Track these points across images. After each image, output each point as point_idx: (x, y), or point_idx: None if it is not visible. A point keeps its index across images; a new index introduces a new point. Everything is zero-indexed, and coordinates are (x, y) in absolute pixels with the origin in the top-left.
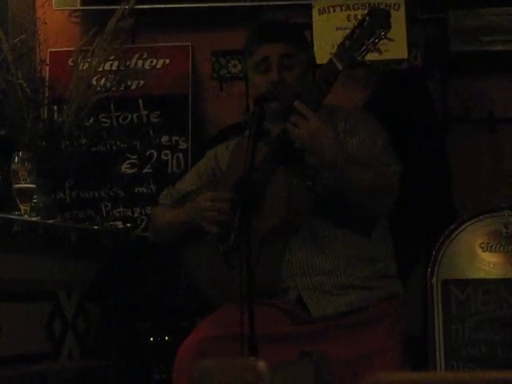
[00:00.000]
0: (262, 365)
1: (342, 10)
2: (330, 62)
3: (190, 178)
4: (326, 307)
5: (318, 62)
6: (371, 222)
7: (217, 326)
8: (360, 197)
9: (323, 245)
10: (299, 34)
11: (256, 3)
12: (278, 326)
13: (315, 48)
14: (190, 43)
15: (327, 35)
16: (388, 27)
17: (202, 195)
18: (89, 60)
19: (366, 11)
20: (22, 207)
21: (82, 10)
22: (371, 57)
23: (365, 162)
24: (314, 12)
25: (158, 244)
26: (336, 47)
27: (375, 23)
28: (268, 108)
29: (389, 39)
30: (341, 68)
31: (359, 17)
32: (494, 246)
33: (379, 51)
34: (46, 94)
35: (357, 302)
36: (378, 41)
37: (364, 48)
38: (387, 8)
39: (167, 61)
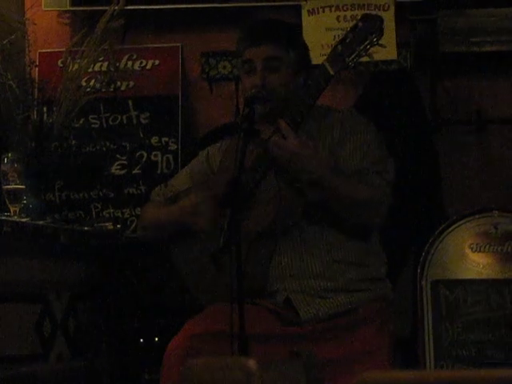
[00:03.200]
0: (252, 363)
1: (331, 11)
2: (322, 66)
3: (182, 178)
4: (314, 309)
5: None
6: (366, 228)
7: (206, 324)
8: (351, 209)
9: (313, 248)
10: (289, 35)
11: (246, 4)
12: (268, 326)
13: None
14: (179, 44)
15: (317, 36)
16: (380, 33)
17: (192, 196)
18: (78, 61)
19: (355, 12)
20: (12, 208)
21: (72, 10)
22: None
23: (356, 173)
24: (304, 13)
25: (147, 240)
26: (324, 48)
27: (368, 29)
28: (256, 110)
29: (381, 45)
30: (332, 73)
31: (349, 18)
32: (483, 247)
33: (371, 56)
34: (36, 95)
35: (346, 303)
36: (370, 47)
37: (356, 53)
38: (377, 9)
39: (157, 62)
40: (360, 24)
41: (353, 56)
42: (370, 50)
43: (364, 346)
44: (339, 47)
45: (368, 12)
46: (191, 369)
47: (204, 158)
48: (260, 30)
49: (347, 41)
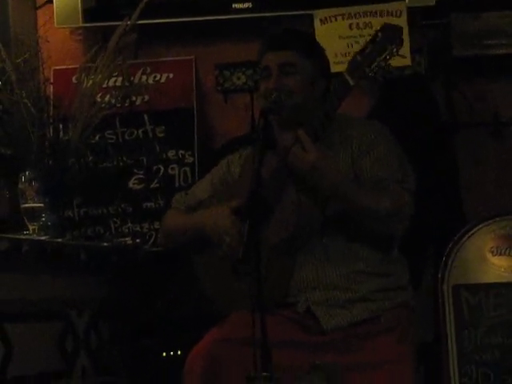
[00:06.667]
0: None
1: (343, 19)
2: (342, 77)
3: (203, 186)
4: (336, 319)
5: None
6: (388, 238)
7: (228, 331)
8: (372, 220)
9: (334, 259)
10: (308, 43)
11: (258, 15)
12: (289, 334)
13: None
14: (193, 57)
15: (330, 44)
16: (400, 43)
17: (226, 217)
18: (92, 77)
19: (367, 19)
20: (31, 227)
21: (84, 27)
22: None
23: (377, 183)
24: (316, 21)
25: (167, 248)
26: (337, 56)
27: (388, 39)
28: (273, 118)
29: (400, 56)
30: (352, 83)
31: (361, 25)
32: (503, 250)
33: (389, 67)
34: (51, 113)
35: (367, 312)
36: (390, 57)
37: (375, 64)
38: (389, 15)
39: (171, 75)
40: (380, 34)
41: (372, 66)
42: (389, 61)
43: (385, 354)
44: (359, 58)
45: (387, 22)
46: None
47: (225, 167)
48: (278, 37)
49: (367, 51)
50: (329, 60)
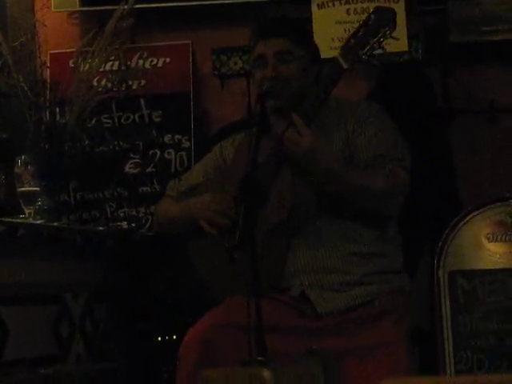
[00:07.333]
0: (267, 374)
1: (341, 4)
2: (335, 60)
3: (196, 172)
4: (331, 303)
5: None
6: (384, 218)
7: (224, 315)
8: (367, 200)
9: (328, 242)
10: (299, 30)
11: None
12: (285, 318)
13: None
14: (190, 41)
15: (327, 29)
16: (393, 26)
17: (206, 195)
18: (89, 61)
19: (365, 4)
20: (27, 210)
21: (81, 11)
22: None
23: (374, 160)
24: (314, 6)
25: (162, 235)
26: (334, 41)
27: (380, 22)
28: (268, 105)
29: (394, 38)
30: (346, 67)
31: (359, 10)
32: (499, 236)
33: (383, 49)
34: (48, 97)
35: (362, 296)
36: (383, 40)
37: (369, 47)
38: (387, 1)
39: (168, 59)
40: (372, 17)
41: (366, 49)
42: (382, 43)
43: (380, 338)
44: (352, 41)
45: (380, 5)
46: (207, 379)
47: (218, 153)
48: (271, 25)
49: (360, 34)
50: (318, 48)
